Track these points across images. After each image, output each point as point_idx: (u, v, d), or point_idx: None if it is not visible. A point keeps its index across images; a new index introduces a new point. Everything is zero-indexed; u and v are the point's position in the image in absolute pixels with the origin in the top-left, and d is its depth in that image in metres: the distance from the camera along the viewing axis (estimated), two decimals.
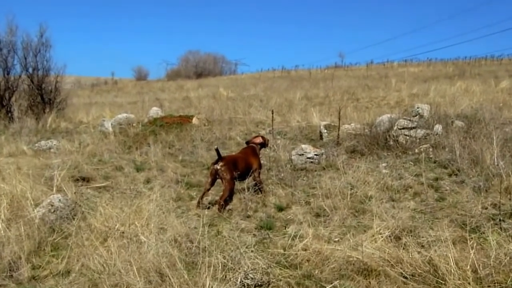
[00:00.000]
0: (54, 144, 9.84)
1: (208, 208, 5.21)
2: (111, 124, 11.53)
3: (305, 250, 3.72)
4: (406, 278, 3.21)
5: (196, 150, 8.20)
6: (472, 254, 3.16)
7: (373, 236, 3.81)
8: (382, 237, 3.76)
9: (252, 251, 3.75)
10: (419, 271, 3.24)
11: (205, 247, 3.90)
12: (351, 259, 3.46)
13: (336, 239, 4.02)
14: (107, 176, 6.94)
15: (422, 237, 3.78)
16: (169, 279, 3.15)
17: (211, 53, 57.03)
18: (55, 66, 15.05)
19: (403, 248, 3.53)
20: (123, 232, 4.18)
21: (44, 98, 14.81)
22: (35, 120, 13.52)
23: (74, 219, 4.65)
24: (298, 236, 3.96)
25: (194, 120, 10.44)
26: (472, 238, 3.75)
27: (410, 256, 3.37)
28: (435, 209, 4.60)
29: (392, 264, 3.35)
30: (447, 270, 3.11)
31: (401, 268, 3.29)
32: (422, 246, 3.63)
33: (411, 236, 3.79)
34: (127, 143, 9.66)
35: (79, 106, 20.04)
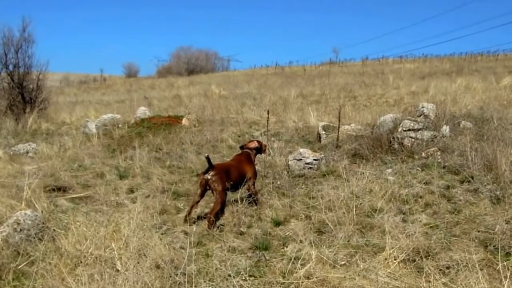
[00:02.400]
0: (33, 148, 9.28)
1: (196, 224, 4.71)
2: (95, 126, 10.99)
3: (308, 278, 3.24)
4: None
5: (185, 154, 7.68)
6: (506, 286, 2.71)
7: (386, 260, 3.34)
8: (396, 261, 3.29)
9: (245, 279, 3.27)
10: None
11: (192, 275, 3.41)
12: None
13: (343, 263, 3.55)
14: (86, 185, 6.42)
15: (442, 260, 3.31)
16: None
17: (203, 49, 56.27)
18: (37, 63, 14.36)
19: (422, 275, 3.06)
20: (97, 257, 3.67)
21: (25, 97, 14.13)
22: (14, 121, 12.90)
23: (42, 240, 4.12)
24: (299, 259, 3.48)
25: (184, 121, 9.92)
26: (497, 260, 3.31)
27: (432, 286, 2.90)
28: (450, 224, 4.14)
29: None
30: None
31: None
32: (443, 272, 3.16)
33: (429, 259, 3.33)
34: (111, 147, 9.13)
35: (63, 105, 19.37)
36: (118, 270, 3.36)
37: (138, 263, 3.38)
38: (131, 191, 6.04)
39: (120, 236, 3.83)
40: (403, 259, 3.34)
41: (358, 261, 3.43)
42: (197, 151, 7.89)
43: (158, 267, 3.47)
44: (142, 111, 11.40)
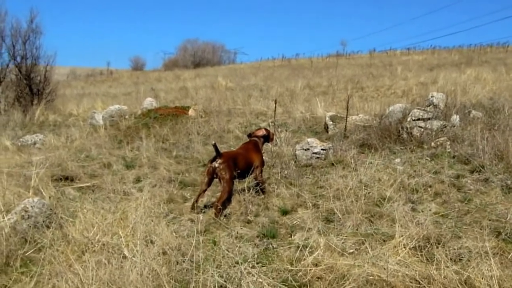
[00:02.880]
0: (40, 139, 9.33)
1: (204, 212, 4.68)
2: (102, 117, 11.00)
3: (316, 265, 3.20)
4: None
5: (191, 144, 7.66)
6: None
7: (395, 247, 3.29)
8: (406, 249, 3.24)
9: (253, 266, 3.24)
10: None
11: (199, 261, 3.39)
12: (371, 277, 2.95)
13: (351, 251, 3.51)
14: (93, 175, 6.43)
15: (453, 248, 3.25)
16: None
17: (209, 41, 56.02)
18: (45, 54, 14.38)
19: (433, 263, 3.01)
20: (104, 244, 3.66)
21: (33, 88, 14.19)
22: (22, 113, 12.96)
23: (50, 227, 4.12)
24: (306, 247, 3.44)
25: (191, 112, 9.88)
26: (510, 248, 3.26)
27: (443, 274, 2.85)
28: (461, 212, 4.08)
29: (421, 285, 2.83)
30: None
31: None
32: (454, 260, 3.11)
33: (440, 247, 3.27)
34: (118, 137, 9.13)
35: (70, 97, 19.44)
36: (125, 257, 3.35)
37: (145, 249, 3.36)
38: (138, 180, 6.03)
39: (127, 223, 3.82)
40: (413, 246, 3.29)
41: (367, 249, 3.38)
42: (203, 142, 7.86)
43: (165, 253, 3.46)
44: (149, 102, 11.38)
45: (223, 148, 7.06)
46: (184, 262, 3.36)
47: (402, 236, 3.39)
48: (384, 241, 3.56)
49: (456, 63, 21.55)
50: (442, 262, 2.90)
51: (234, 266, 3.22)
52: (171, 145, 7.93)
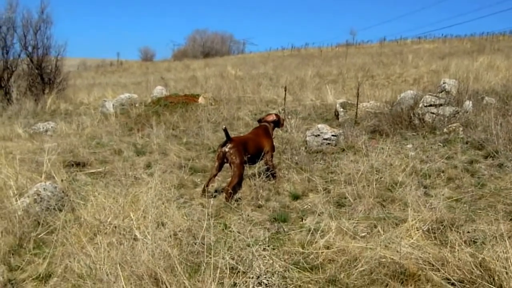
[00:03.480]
0: (52, 127, 9.40)
1: (214, 196, 4.67)
2: (113, 105, 11.04)
3: (328, 248, 3.17)
4: (453, 284, 2.64)
5: (201, 131, 7.63)
6: None
7: (408, 231, 3.24)
8: (419, 231, 3.19)
9: (264, 249, 3.22)
10: (469, 276, 2.67)
11: (210, 244, 3.38)
12: (384, 260, 2.91)
13: (363, 234, 3.46)
14: (104, 161, 6.45)
15: (467, 231, 3.19)
16: (166, 287, 2.63)
17: (218, 32, 56.05)
18: (55, 44, 14.43)
19: (446, 246, 2.95)
20: (115, 227, 3.67)
21: (44, 78, 14.27)
22: (34, 102, 13.07)
23: (62, 210, 4.15)
24: (318, 231, 3.41)
25: (200, 100, 9.85)
26: None
27: (457, 256, 2.79)
28: (474, 197, 4.00)
29: (435, 267, 2.78)
30: (506, 276, 2.53)
31: (446, 272, 2.72)
32: (468, 243, 3.05)
33: (453, 230, 3.21)
34: (128, 125, 9.15)
35: (81, 87, 19.54)
36: (136, 238, 3.35)
37: (156, 231, 3.35)
38: (148, 166, 6.03)
39: (138, 206, 3.81)
40: (426, 229, 3.24)
41: (380, 232, 3.33)
42: (213, 129, 7.83)
43: (176, 236, 3.45)
44: (159, 90, 11.37)
45: (233, 135, 7.04)
46: (195, 244, 3.34)
47: (414, 219, 3.33)
48: (396, 224, 3.51)
49: (468, 51, 21.14)
50: (456, 245, 2.83)
51: (245, 249, 3.20)
52: (181, 132, 7.92)
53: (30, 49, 14.14)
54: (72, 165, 6.13)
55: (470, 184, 4.36)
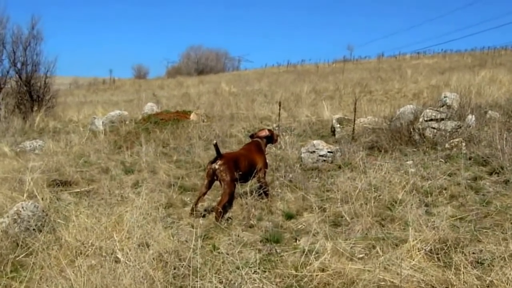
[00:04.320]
0: (39, 145, 9.32)
1: (204, 216, 4.56)
2: (102, 122, 10.98)
3: (323, 270, 3.05)
4: None
5: (192, 149, 7.55)
6: None
7: (409, 251, 3.13)
8: (420, 252, 3.07)
9: (255, 271, 3.09)
10: None
11: (197, 266, 3.25)
12: (383, 283, 2.79)
13: (361, 255, 3.35)
14: (91, 180, 6.35)
15: (472, 252, 3.08)
16: None
17: (213, 49, 56.31)
18: (45, 61, 14.46)
19: (451, 268, 2.84)
20: (98, 248, 3.54)
21: (33, 95, 14.26)
22: (22, 119, 13.02)
23: (42, 231, 4.02)
24: (312, 252, 3.29)
25: (192, 116, 9.80)
26: None
27: (462, 279, 2.68)
28: (479, 215, 3.90)
29: None
30: None
31: None
32: (475, 264, 2.93)
33: (458, 251, 3.10)
34: (117, 143, 9.08)
35: (72, 104, 19.51)
36: (118, 260, 3.22)
37: (140, 253, 3.23)
38: (137, 185, 5.93)
39: (123, 227, 3.70)
40: (429, 250, 3.13)
41: (378, 252, 3.22)
42: (205, 146, 7.75)
43: (161, 258, 3.32)
44: (150, 107, 11.34)
45: (224, 152, 6.96)
46: (181, 267, 3.23)
47: (416, 239, 3.22)
48: (396, 245, 3.39)
49: (469, 65, 21.33)
50: (462, 267, 2.73)
51: (235, 271, 3.08)
52: (171, 150, 7.85)
53: (19, 65, 14.17)
54: (57, 184, 6.04)
55: (475, 202, 4.26)
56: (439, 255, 3.07)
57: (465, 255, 2.99)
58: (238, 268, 3.11)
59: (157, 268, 3.18)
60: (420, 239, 3.22)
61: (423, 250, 3.09)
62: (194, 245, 3.41)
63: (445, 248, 3.14)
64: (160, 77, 50.21)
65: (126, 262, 3.09)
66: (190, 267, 3.21)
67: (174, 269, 3.21)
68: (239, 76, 32.48)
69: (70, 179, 6.29)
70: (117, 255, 3.33)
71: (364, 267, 2.96)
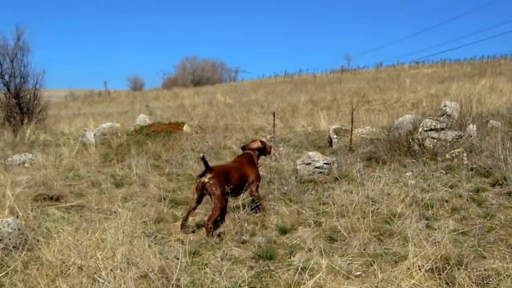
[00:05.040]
0: (29, 158, 9.18)
1: (194, 232, 4.41)
2: (94, 135, 10.87)
3: None
4: None
5: (185, 161, 7.44)
6: None
7: (409, 269, 2.99)
8: (421, 271, 2.94)
9: None
10: None
11: (186, 285, 3.11)
12: None
13: (358, 273, 3.21)
14: (80, 194, 6.23)
15: (477, 270, 2.94)
16: None
17: (209, 59, 56.41)
18: (33, 72, 14.33)
19: (453, 287, 2.71)
20: (80, 268, 3.40)
21: (22, 108, 14.12)
22: (12, 133, 12.87)
23: (23, 249, 3.87)
24: (307, 269, 3.16)
25: (185, 128, 9.70)
26: None
27: None
28: (483, 230, 3.77)
29: None
30: None
31: None
32: (480, 284, 2.80)
33: (461, 268, 2.96)
34: (109, 155, 8.95)
35: (65, 117, 19.40)
36: (95, 280, 3.08)
37: (123, 273, 3.09)
38: (126, 199, 5.79)
39: (106, 244, 3.55)
40: (430, 268, 2.99)
41: (376, 271, 3.08)
42: (198, 158, 7.63)
43: (146, 278, 3.18)
44: (142, 119, 11.24)
45: (218, 164, 6.84)
46: (168, 287, 3.08)
47: (416, 256, 3.09)
48: (395, 262, 3.26)
49: (469, 74, 21.38)
50: (465, 286, 2.59)
51: None
52: (163, 162, 7.73)
53: (7, 77, 14.06)
54: (44, 198, 5.90)
55: (478, 215, 4.14)
56: (441, 273, 2.94)
57: (468, 273, 2.86)
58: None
59: None
60: (420, 256, 3.09)
61: (424, 268, 2.96)
62: (182, 262, 3.28)
63: (447, 265, 3.01)
64: (156, 89, 50.30)
65: (107, 284, 2.95)
66: (178, 286, 3.07)
67: (162, 287, 3.07)
68: (236, 87, 32.50)
69: (58, 193, 6.15)
70: (100, 275, 3.19)
71: (361, 287, 2.82)
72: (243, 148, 5.04)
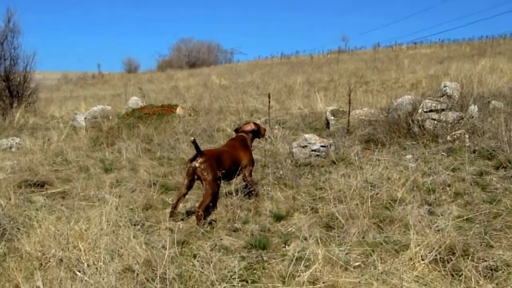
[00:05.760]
0: (16, 143, 8.96)
1: (184, 219, 4.21)
2: (85, 118, 10.63)
3: (314, 283, 2.72)
4: None
5: (178, 144, 7.21)
6: None
7: (411, 260, 2.80)
8: (424, 261, 2.75)
9: (234, 284, 2.77)
10: None
11: (172, 279, 2.92)
12: None
13: (356, 264, 3.02)
14: (67, 179, 6.01)
15: (484, 260, 2.75)
16: None
17: (204, 41, 55.48)
18: (24, 55, 14.00)
19: (460, 280, 2.52)
20: (61, 259, 3.20)
21: (12, 91, 13.78)
22: (1, 116, 12.60)
23: (2, 239, 3.66)
24: (302, 260, 2.96)
25: (178, 110, 9.44)
26: None
27: None
28: (488, 216, 3.58)
29: None
30: None
31: None
32: (487, 275, 2.61)
33: (467, 259, 2.77)
34: (99, 139, 8.71)
35: (56, 100, 19.04)
36: (77, 273, 2.88)
37: (105, 265, 2.88)
38: (115, 185, 5.57)
39: (89, 234, 3.34)
40: (433, 259, 2.80)
41: (376, 262, 2.89)
42: (190, 142, 7.42)
43: (130, 270, 2.98)
44: (134, 101, 10.96)
45: (210, 148, 6.61)
46: (154, 280, 2.88)
47: (419, 245, 2.90)
48: (396, 252, 3.08)
49: (468, 55, 21.06)
50: (472, 279, 2.40)
51: (212, 285, 2.75)
52: (155, 146, 7.50)
53: None
54: (29, 184, 5.68)
55: (482, 200, 3.95)
56: (445, 264, 2.75)
57: (475, 264, 2.67)
58: (216, 280, 2.78)
59: (125, 283, 2.85)
60: (423, 245, 2.90)
61: (427, 258, 2.77)
62: (169, 253, 3.08)
63: (452, 255, 2.82)
64: (151, 71, 49.62)
65: (87, 278, 2.75)
66: (165, 279, 2.88)
67: (147, 281, 2.88)
68: (231, 69, 32.02)
69: (44, 179, 5.93)
70: (81, 267, 2.99)
71: (359, 280, 2.63)
72: (236, 130, 4.80)
